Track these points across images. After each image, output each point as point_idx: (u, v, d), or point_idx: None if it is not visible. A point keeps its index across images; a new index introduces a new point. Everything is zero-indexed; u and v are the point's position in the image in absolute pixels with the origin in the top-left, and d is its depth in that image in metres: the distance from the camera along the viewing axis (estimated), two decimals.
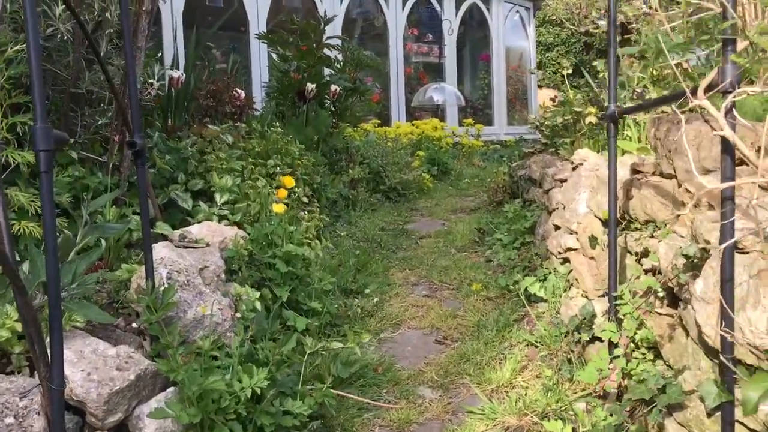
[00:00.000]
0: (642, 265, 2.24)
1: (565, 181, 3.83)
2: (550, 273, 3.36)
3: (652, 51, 3.95)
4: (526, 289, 3.21)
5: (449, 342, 2.99)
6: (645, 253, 2.23)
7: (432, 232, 5.10)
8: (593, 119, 4.12)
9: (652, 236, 2.24)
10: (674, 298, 1.98)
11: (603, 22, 18.31)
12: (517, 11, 12.06)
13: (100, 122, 3.06)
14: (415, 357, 2.84)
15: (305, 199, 4.56)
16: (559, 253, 3.27)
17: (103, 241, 2.47)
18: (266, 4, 8.39)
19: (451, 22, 10.23)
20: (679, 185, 2.14)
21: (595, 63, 6.10)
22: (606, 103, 2.27)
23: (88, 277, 2.12)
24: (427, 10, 10.45)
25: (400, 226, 5.33)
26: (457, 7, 10.58)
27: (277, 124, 4.64)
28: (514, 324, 3.05)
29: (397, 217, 5.70)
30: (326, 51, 6.52)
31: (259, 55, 8.19)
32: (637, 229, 2.37)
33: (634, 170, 2.53)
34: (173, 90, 4.52)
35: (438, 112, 9.82)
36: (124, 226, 2.46)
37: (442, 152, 7.66)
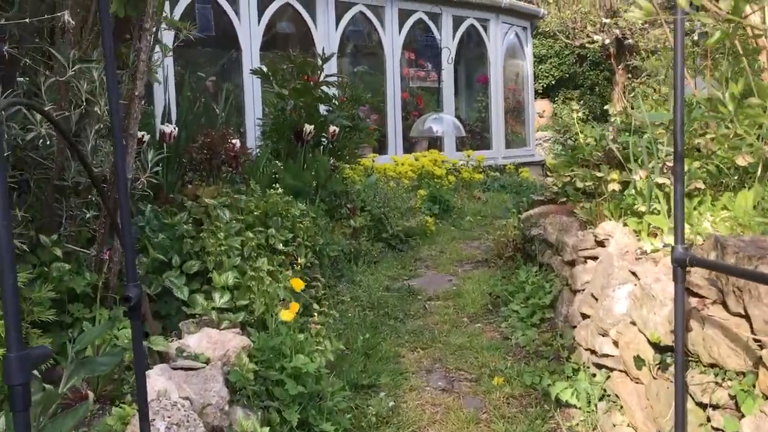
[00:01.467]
0: (709, 419, 1.97)
1: (591, 258, 3.58)
2: (579, 369, 3.09)
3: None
4: (556, 396, 2.94)
5: None
6: (714, 405, 1.96)
7: (440, 293, 4.82)
8: (616, 186, 3.85)
9: (719, 384, 1.98)
10: None
11: (598, 37, 17.97)
12: (515, 31, 11.82)
13: (88, 215, 2.76)
14: None
15: (309, 264, 4.28)
16: (592, 351, 3.00)
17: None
18: (259, 31, 8.08)
19: (450, 49, 9.96)
20: (756, 338, 1.87)
21: (606, 107, 5.82)
22: (673, 243, 2.00)
23: None
24: (426, 37, 10.16)
25: (406, 283, 5.05)
26: (455, 29, 10.31)
27: (277, 184, 4.34)
28: None
29: (402, 270, 5.42)
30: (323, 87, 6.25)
31: (252, 84, 7.88)
32: (697, 368, 2.10)
33: (690, 291, 2.26)
34: (165, 145, 4.22)
35: (436, 142, 9.54)
36: (116, 359, 2.16)
37: (444, 190, 7.39)
